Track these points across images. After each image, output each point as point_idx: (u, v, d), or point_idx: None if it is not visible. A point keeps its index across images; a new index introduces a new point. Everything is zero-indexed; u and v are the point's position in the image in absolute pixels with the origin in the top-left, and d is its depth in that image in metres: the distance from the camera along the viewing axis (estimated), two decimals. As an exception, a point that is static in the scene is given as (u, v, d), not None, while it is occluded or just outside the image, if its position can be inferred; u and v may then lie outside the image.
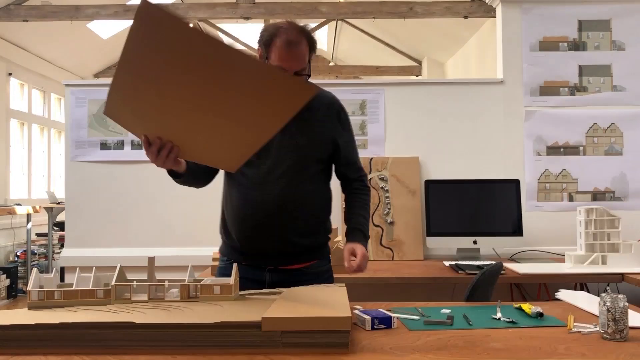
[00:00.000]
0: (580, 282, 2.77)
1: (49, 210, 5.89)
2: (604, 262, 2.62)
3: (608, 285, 2.07)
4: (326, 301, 1.44)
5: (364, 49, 10.07)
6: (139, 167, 3.19)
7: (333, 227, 2.88)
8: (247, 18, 5.75)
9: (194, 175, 1.74)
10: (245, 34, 9.99)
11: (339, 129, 1.85)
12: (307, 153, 1.79)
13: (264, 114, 1.33)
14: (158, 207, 3.19)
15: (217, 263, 2.59)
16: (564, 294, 1.90)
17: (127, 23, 7.56)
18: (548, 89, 3.22)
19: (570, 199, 3.17)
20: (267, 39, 1.72)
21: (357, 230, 1.82)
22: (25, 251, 6.02)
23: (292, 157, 1.76)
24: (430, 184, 2.99)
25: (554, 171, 3.19)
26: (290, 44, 1.69)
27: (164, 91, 1.27)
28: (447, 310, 1.62)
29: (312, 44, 1.75)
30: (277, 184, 1.75)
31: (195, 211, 3.19)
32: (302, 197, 1.78)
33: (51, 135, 7.82)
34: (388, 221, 3.05)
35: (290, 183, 1.75)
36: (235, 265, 1.58)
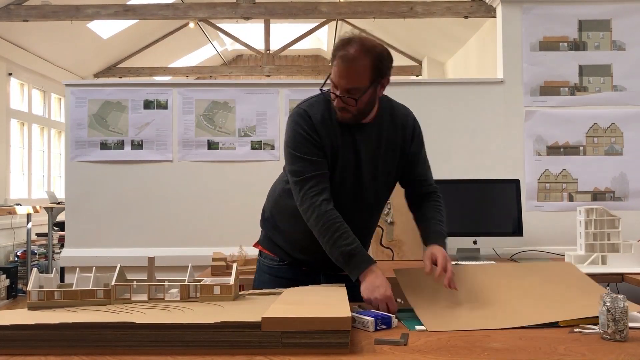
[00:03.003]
0: (580, 282, 2.77)
1: (49, 210, 5.89)
2: (604, 262, 2.62)
3: (608, 285, 2.07)
4: (326, 301, 1.44)
5: (364, 49, 10.06)
6: (139, 167, 3.19)
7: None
8: (247, 18, 5.75)
9: None
10: (245, 34, 10.00)
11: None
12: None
13: None
14: (158, 207, 3.20)
15: (217, 263, 2.61)
16: None
17: (127, 23, 7.58)
18: (548, 89, 3.22)
19: (570, 199, 3.17)
20: (334, 52, 1.65)
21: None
22: (25, 251, 6.02)
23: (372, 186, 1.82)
24: (430, 184, 2.98)
25: (554, 171, 3.19)
26: (345, 59, 1.60)
27: None
28: None
29: (377, 66, 1.62)
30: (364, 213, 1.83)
31: (195, 211, 3.19)
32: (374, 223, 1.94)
33: (51, 135, 7.82)
34: (388, 221, 3.05)
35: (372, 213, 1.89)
36: (235, 265, 1.58)
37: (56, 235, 6.20)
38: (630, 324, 1.36)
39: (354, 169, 1.76)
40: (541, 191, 3.18)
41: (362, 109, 1.68)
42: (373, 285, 1.57)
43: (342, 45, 1.62)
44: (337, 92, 1.64)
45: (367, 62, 1.61)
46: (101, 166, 3.19)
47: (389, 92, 3.19)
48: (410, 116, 1.85)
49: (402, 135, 1.80)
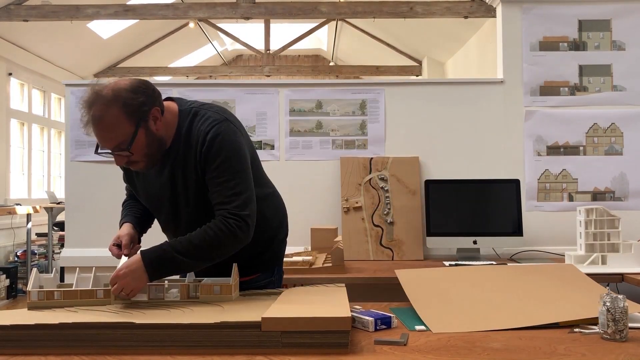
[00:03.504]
0: (580, 282, 2.77)
1: (49, 210, 5.89)
2: (603, 262, 2.62)
3: (608, 285, 2.07)
4: (326, 301, 1.44)
5: (364, 49, 10.08)
6: (139, 167, 3.19)
7: (332, 227, 2.89)
8: (247, 18, 5.75)
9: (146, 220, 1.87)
10: (245, 34, 9.99)
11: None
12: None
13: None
14: (158, 207, 3.19)
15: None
16: None
17: (127, 23, 7.58)
18: (548, 89, 3.22)
19: (570, 199, 3.17)
20: (83, 118, 1.55)
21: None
22: (25, 251, 6.02)
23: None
24: (430, 184, 2.99)
25: (554, 171, 3.19)
26: (95, 123, 1.51)
27: None
28: None
29: (130, 109, 1.51)
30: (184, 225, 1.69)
31: (195, 211, 3.19)
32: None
33: (51, 135, 7.82)
34: (388, 221, 3.05)
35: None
36: (234, 265, 1.58)
37: (56, 235, 6.20)
38: (630, 324, 1.36)
39: (159, 192, 1.70)
40: (541, 191, 3.17)
41: (146, 152, 1.57)
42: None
43: (87, 109, 1.52)
44: (109, 152, 1.55)
45: (116, 112, 1.50)
46: (101, 166, 3.19)
47: (389, 91, 3.21)
48: (206, 132, 1.59)
49: (195, 152, 1.61)
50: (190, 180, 1.64)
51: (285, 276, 2.50)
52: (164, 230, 1.83)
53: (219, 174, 1.59)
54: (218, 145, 1.59)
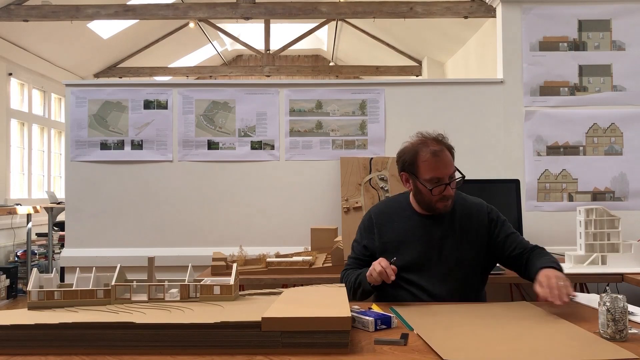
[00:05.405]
0: (580, 283, 2.77)
1: (49, 210, 5.89)
2: (603, 262, 2.61)
3: (608, 285, 2.07)
4: (326, 301, 1.44)
5: (364, 49, 10.07)
6: (139, 167, 3.19)
7: (333, 226, 2.89)
8: (247, 18, 5.75)
9: None
10: (245, 34, 9.99)
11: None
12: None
13: None
14: (158, 207, 3.19)
15: (217, 263, 2.60)
16: (581, 297, 1.87)
17: (127, 23, 7.57)
18: (548, 89, 3.22)
19: (570, 199, 3.17)
20: (409, 161, 1.87)
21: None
22: (25, 251, 6.02)
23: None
24: (430, 184, 2.98)
25: (554, 171, 3.19)
26: (436, 153, 1.82)
27: None
28: None
29: (450, 149, 1.88)
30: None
31: (195, 211, 3.19)
32: None
33: (51, 135, 7.82)
34: (388, 221, 3.04)
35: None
36: (235, 265, 1.58)
37: (56, 235, 6.20)
38: (631, 317, 1.36)
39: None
40: (541, 191, 3.18)
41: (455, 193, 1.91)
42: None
43: (421, 146, 1.85)
44: (445, 181, 1.85)
45: (445, 148, 1.87)
46: (101, 166, 3.19)
47: (389, 91, 3.21)
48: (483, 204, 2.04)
49: (477, 222, 1.98)
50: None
51: (285, 276, 2.51)
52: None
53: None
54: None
